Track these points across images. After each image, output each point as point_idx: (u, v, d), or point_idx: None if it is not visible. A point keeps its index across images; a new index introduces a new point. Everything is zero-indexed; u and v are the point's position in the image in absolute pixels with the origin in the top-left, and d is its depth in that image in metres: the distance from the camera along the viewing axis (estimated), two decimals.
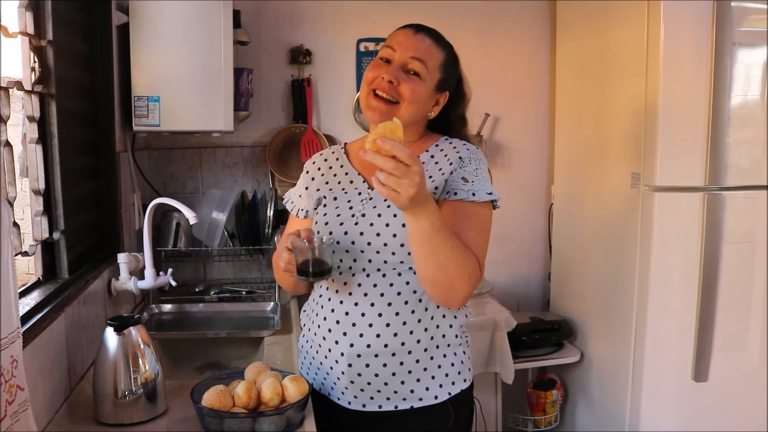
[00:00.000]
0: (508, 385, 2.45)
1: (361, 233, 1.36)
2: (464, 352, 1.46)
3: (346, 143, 1.56)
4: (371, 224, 1.36)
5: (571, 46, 2.62)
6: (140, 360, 1.36)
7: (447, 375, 1.41)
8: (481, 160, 1.40)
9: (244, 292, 2.40)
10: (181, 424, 1.36)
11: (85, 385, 1.50)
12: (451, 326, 1.41)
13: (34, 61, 1.47)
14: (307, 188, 1.51)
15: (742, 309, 2.15)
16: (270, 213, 2.37)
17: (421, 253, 1.25)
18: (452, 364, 1.41)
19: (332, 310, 1.38)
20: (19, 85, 1.40)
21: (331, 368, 1.40)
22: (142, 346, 1.37)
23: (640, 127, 2.12)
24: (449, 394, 1.41)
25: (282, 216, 2.40)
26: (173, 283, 2.02)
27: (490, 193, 1.35)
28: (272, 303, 2.27)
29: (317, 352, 1.44)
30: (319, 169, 1.52)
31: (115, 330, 1.35)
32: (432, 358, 1.38)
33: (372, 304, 1.35)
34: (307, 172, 1.54)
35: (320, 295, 1.43)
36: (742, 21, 2.00)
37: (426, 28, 1.42)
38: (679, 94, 2.03)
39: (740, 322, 2.15)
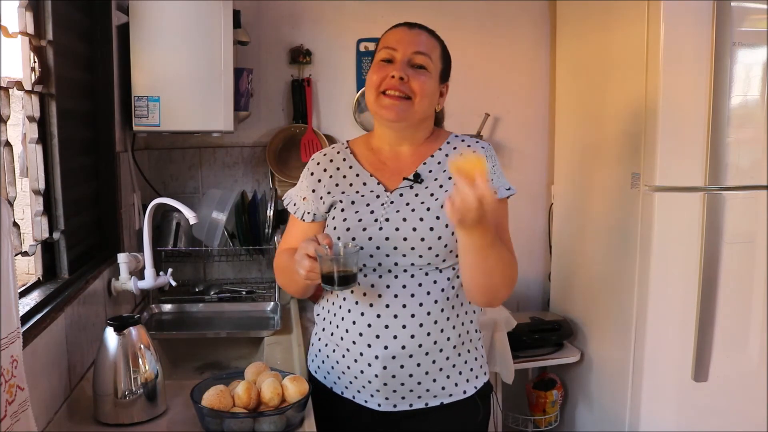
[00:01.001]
0: (508, 385, 2.45)
1: (387, 238, 1.36)
2: (482, 346, 1.50)
3: (348, 141, 1.53)
4: (397, 229, 1.36)
5: (571, 46, 2.62)
6: (140, 360, 1.36)
7: (472, 369, 1.44)
8: (495, 156, 1.45)
9: (244, 292, 2.40)
10: (181, 424, 1.35)
11: (85, 385, 1.50)
12: (471, 321, 1.45)
13: (34, 61, 1.47)
14: (314, 191, 1.47)
15: (742, 309, 2.15)
16: (270, 213, 2.37)
17: (471, 263, 1.29)
18: (475, 359, 1.46)
19: (362, 314, 1.37)
20: (19, 85, 1.40)
21: (362, 372, 1.39)
22: (142, 346, 1.37)
23: (640, 127, 2.12)
24: (475, 387, 1.44)
25: (282, 216, 2.40)
26: (173, 283, 2.02)
27: (509, 189, 1.41)
28: (272, 303, 2.27)
29: (343, 356, 1.42)
30: (325, 170, 1.48)
31: (115, 330, 1.35)
32: (459, 354, 1.41)
33: (404, 305, 1.35)
34: (312, 174, 1.48)
35: (344, 299, 1.40)
36: (742, 21, 2.00)
37: (417, 23, 1.43)
38: (679, 94, 2.03)
39: (740, 322, 2.15)
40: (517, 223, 2.80)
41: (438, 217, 1.36)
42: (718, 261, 2.09)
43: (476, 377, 1.45)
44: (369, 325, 1.36)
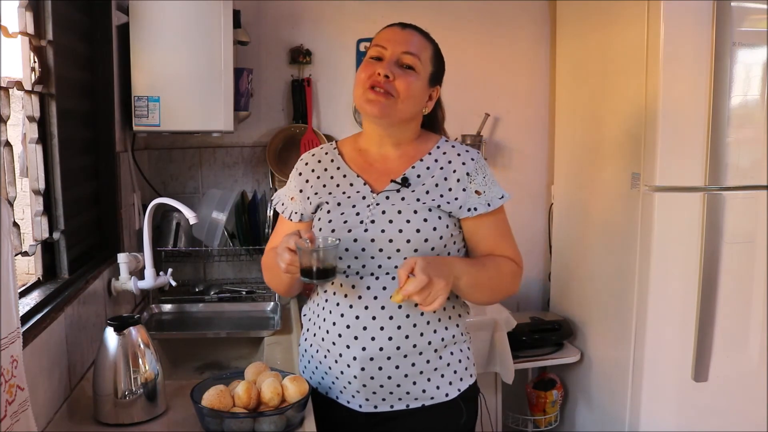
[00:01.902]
0: (508, 385, 2.45)
1: (372, 240, 1.35)
2: (468, 348, 1.48)
3: (337, 142, 1.53)
4: (382, 230, 1.35)
5: (571, 46, 2.62)
6: (140, 360, 1.36)
7: (455, 372, 1.42)
8: (484, 165, 1.44)
9: (244, 292, 2.40)
10: (181, 424, 1.36)
11: (85, 385, 1.50)
12: (457, 325, 1.43)
13: (34, 61, 1.47)
14: (301, 191, 1.47)
15: (742, 309, 2.15)
16: (270, 213, 2.37)
17: (467, 297, 1.41)
18: (459, 361, 1.44)
19: (341, 315, 1.37)
20: (19, 85, 1.40)
21: (342, 372, 1.39)
22: (142, 346, 1.37)
23: (640, 128, 2.12)
24: (458, 390, 1.43)
25: None
26: (173, 283, 2.02)
27: (501, 197, 1.42)
28: (272, 303, 2.27)
29: (325, 356, 1.42)
30: (312, 171, 1.48)
31: (115, 330, 1.35)
32: (441, 357, 1.40)
33: (382, 307, 1.34)
34: (300, 174, 1.49)
35: (326, 300, 1.41)
36: (742, 21, 2.00)
37: (411, 24, 1.42)
38: (679, 94, 2.03)
39: (740, 322, 2.15)
40: (517, 223, 2.80)
41: (426, 219, 1.35)
42: (718, 261, 2.09)
43: (460, 380, 1.43)
44: (348, 326, 1.36)
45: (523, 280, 2.81)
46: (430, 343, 1.37)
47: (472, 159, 1.42)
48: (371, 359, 1.35)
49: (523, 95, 2.79)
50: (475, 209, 1.38)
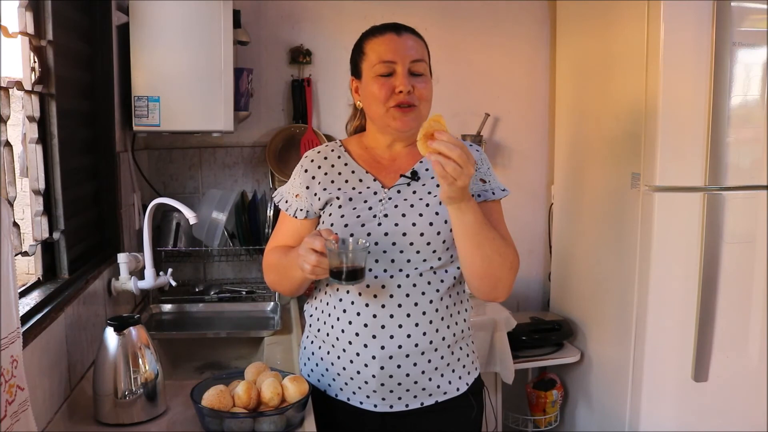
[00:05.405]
0: (508, 385, 2.45)
1: (386, 233, 1.36)
2: (473, 342, 1.52)
3: (341, 140, 1.53)
4: (396, 224, 1.36)
5: (571, 46, 2.62)
6: (140, 360, 1.36)
7: (464, 366, 1.45)
8: (487, 158, 1.48)
9: (244, 292, 2.40)
10: (181, 424, 1.36)
11: (85, 385, 1.50)
12: (464, 320, 1.46)
13: (34, 61, 1.47)
14: (308, 188, 1.46)
15: (742, 309, 2.15)
16: (270, 213, 2.37)
17: (468, 247, 1.30)
18: (467, 355, 1.47)
19: (358, 314, 1.36)
20: (19, 85, 1.40)
21: (358, 372, 1.38)
22: (142, 346, 1.37)
23: (640, 127, 2.12)
24: (467, 384, 1.45)
25: None
26: (173, 283, 2.02)
27: (504, 190, 1.44)
28: (272, 303, 2.27)
29: (338, 357, 1.41)
30: (319, 167, 1.47)
31: (115, 330, 1.35)
32: (453, 353, 1.42)
33: (399, 305, 1.35)
34: (306, 171, 1.47)
35: (340, 299, 1.39)
36: (742, 21, 2.00)
37: (399, 25, 1.42)
38: (679, 94, 2.04)
39: (740, 322, 2.15)
40: (517, 223, 2.82)
41: (437, 213, 1.37)
42: (718, 261, 2.09)
43: (468, 373, 1.46)
44: (366, 325, 1.36)
45: (523, 280, 2.86)
46: (444, 338, 1.39)
47: (477, 151, 1.46)
48: (390, 357, 1.36)
49: (523, 95, 2.79)
50: (479, 195, 1.39)
